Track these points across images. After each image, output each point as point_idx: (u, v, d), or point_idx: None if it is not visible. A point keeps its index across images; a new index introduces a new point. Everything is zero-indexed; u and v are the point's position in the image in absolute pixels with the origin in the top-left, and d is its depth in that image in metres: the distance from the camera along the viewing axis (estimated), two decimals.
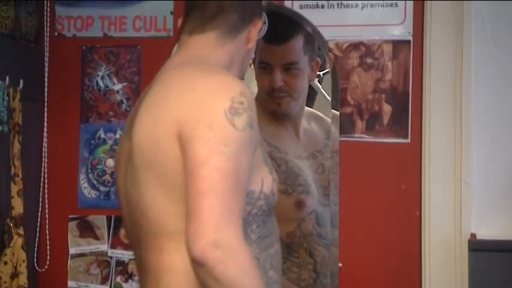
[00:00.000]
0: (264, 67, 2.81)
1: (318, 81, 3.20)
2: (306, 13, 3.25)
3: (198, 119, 1.66)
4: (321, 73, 3.14)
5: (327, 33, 3.23)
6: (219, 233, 1.58)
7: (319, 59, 2.93)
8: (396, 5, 3.25)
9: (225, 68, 1.84)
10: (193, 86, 1.71)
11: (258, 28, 1.92)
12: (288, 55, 2.81)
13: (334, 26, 3.29)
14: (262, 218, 1.80)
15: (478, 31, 3.16)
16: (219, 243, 1.57)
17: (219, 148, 1.63)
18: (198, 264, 1.58)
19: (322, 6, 3.30)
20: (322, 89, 3.27)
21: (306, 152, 2.91)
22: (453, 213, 3.14)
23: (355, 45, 3.28)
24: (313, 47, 2.93)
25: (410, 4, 3.23)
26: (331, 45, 3.26)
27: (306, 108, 2.95)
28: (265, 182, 1.79)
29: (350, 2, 3.28)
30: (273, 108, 2.80)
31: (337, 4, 3.29)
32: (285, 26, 2.99)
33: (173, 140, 1.68)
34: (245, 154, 1.67)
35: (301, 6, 3.28)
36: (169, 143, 1.69)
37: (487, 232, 3.10)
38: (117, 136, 3.41)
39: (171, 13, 3.38)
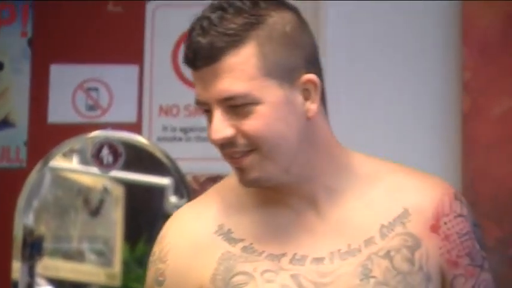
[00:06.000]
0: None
1: None
2: (164, 146, 3.23)
3: None
4: None
5: (185, 167, 3.22)
6: None
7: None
8: None
9: None
10: None
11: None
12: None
13: (192, 159, 3.27)
14: None
15: None
16: None
17: None
18: None
19: (180, 139, 3.30)
20: None
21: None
22: None
23: (213, 179, 3.26)
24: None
25: None
26: (189, 178, 3.23)
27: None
28: None
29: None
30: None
31: (195, 137, 3.30)
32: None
33: None
34: None
35: (158, 139, 3.27)
36: None
37: None
38: None
39: (25, 144, 3.31)
